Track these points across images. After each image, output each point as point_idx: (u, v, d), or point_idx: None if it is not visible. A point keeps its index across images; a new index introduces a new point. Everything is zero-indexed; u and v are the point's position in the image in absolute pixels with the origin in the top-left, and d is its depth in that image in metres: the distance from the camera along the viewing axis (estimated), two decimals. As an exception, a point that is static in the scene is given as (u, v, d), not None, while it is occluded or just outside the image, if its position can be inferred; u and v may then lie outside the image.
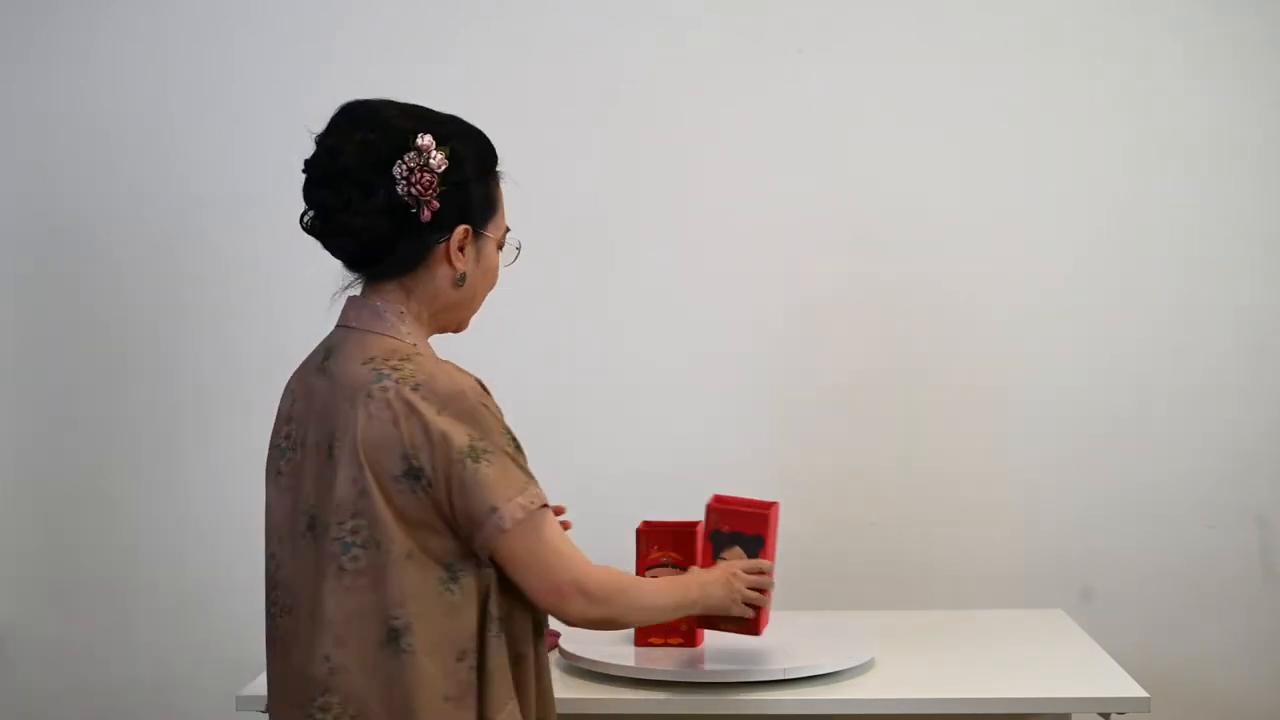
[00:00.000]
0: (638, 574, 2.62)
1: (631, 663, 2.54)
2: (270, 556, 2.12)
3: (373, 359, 2.03)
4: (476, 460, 1.97)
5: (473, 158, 2.09)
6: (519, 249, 2.20)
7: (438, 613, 1.99)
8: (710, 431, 3.42)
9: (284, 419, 2.13)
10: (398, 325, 2.07)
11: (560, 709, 2.41)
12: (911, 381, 3.43)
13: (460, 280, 2.09)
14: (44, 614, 3.49)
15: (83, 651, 3.48)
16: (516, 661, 2.07)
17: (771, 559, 2.53)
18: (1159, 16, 3.39)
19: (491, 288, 2.17)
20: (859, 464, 3.42)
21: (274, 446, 2.15)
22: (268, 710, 2.18)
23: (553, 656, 2.65)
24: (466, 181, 2.07)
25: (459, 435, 1.98)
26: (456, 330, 2.18)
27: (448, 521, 2.00)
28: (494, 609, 2.03)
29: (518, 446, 2.04)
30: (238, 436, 3.44)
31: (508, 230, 2.18)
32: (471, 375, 2.05)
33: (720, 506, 2.56)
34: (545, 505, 2.02)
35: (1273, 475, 3.41)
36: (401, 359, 2.03)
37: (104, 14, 3.45)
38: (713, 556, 2.53)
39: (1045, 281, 3.41)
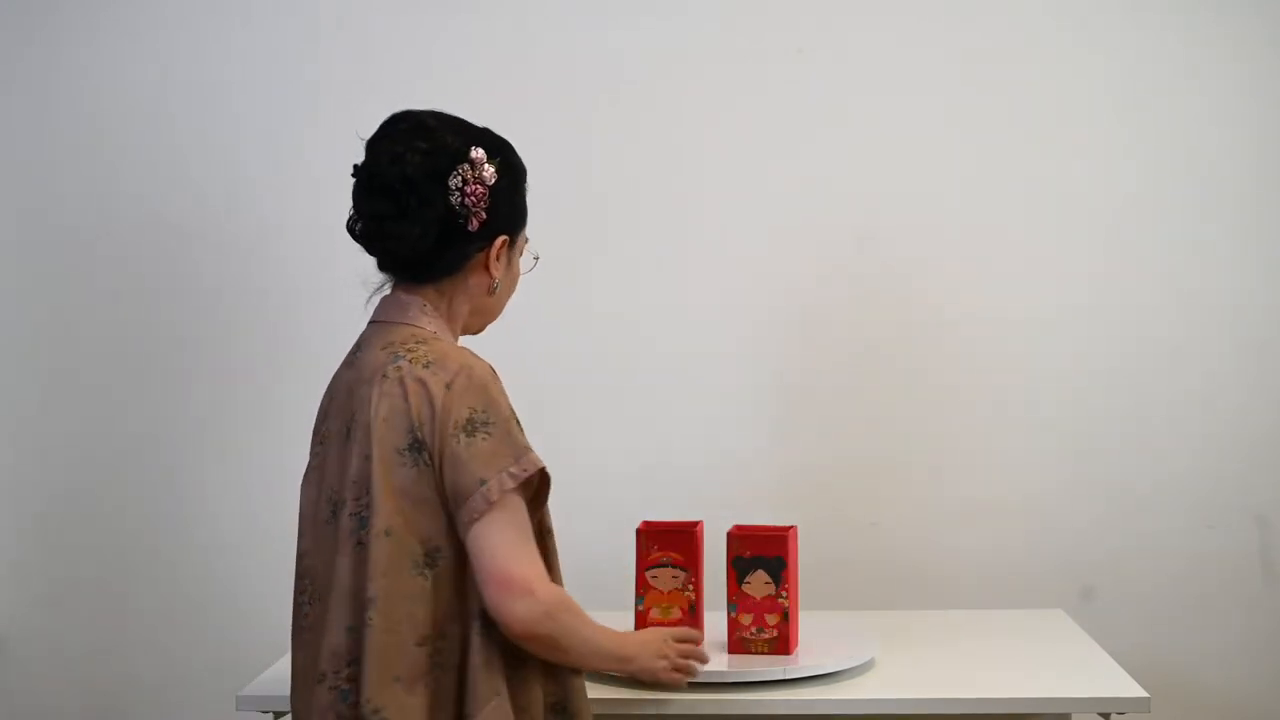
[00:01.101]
0: (637, 574, 2.63)
1: (632, 663, 2.53)
2: (299, 547, 2.17)
3: (391, 344, 2.11)
4: (472, 434, 2.03)
5: (513, 170, 2.19)
6: (536, 259, 2.28)
7: (403, 594, 2.02)
8: (710, 431, 3.42)
9: (321, 416, 2.20)
10: (419, 316, 2.14)
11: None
12: (912, 381, 3.42)
13: (496, 285, 2.18)
14: (44, 614, 3.49)
15: (83, 651, 3.48)
16: (518, 658, 2.08)
17: (794, 581, 2.59)
18: (1160, 17, 3.39)
19: (512, 294, 2.25)
20: (859, 464, 3.42)
21: (311, 445, 2.21)
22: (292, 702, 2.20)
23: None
24: (508, 193, 2.17)
25: (461, 408, 2.04)
26: (473, 333, 2.24)
27: (443, 498, 2.05)
28: (477, 604, 2.05)
29: (519, 426, 2.10)
30: (238, 437, 3.44)
31: (526, 240, 2.26)
32: (485, 362, 2.12)
33: (740, 533, 2.61)
34: (519, 489, 2.05)
35: (1273, 475, 3.41)
36: (418, 342, 2.10)
37: (104, 14, 3.45)
38: (737, 583, 2.58)
39: (1045, 282, 3.41)
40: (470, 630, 2.05)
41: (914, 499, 3.42)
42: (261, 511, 3.35)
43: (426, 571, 2.04)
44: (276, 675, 2.56)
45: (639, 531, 2.65)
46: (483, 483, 2.02)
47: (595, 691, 2.48)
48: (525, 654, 2.09)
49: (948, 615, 3.06)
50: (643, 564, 2.63)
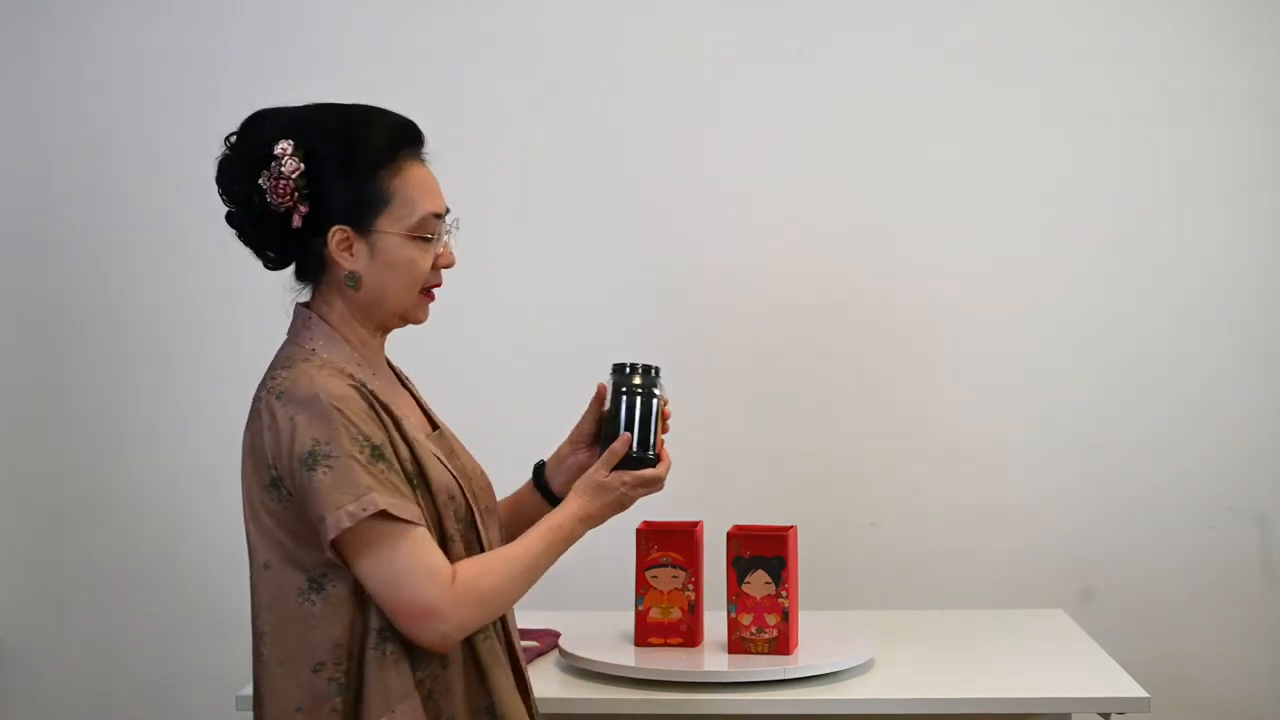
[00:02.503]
0: (638, 574, 2.62)
1: (631, 663, 2.53)
2: None
3: (271, 365, 2.06)
4: (313, 468, 1.94)
5: (340, 155, 2.02)
6: (451, 228, 2.09)
7: (292, 623, 1.97)
8: (710, 432, 3.41)
9: None
10: (302, 331, 2.07)
11: (560, 709, 2.41)
12: (911, 381, 3.42)
13: (350, 280, 2.04)
14: (44, 614, 3.49)
15: (83, 651, 3.48)
16: (432, 666, 2.00)
17: (794, 581, 2.58)
18: (1164, 21, 3.39)
19: (416, 280, 2.06)
20: (858, 464, 3.42)
21: None
22: None
23: (553, 656, 2.65)
24: (330, 181, 2.01)
25: (304, 441, 1.95)
26: (403, 325, 2.11)
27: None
28: (374, 621, 1.98)
29: (375, 453, 1.96)
30: (236, 437, 3.43)
31: (439, 215, 2.07)
32: (345, 381, 1.99)
33: (740, 533, 2.61)
34: (385, 512, 1.93)
35: (1273, 475, 3.41)
36: (284, 367, 2.02)
37: (97, 17, 3.45)
38: (737, 583, 2.57)
39: (1046, 282, 3.41)
40: (366, 646, 1.98)
41: (914, 499, 3.42)
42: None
43: (314, 597, 1.97)
44: (276, 675, 2.56)
45: (639, 531, 2.65)
46: (321, 519, 1.92)
47: (595, 691, 2.49)
48: (442, 661, 2.01)
49: (947, 615, 3.06)
50: (643, 564, 2.62)
